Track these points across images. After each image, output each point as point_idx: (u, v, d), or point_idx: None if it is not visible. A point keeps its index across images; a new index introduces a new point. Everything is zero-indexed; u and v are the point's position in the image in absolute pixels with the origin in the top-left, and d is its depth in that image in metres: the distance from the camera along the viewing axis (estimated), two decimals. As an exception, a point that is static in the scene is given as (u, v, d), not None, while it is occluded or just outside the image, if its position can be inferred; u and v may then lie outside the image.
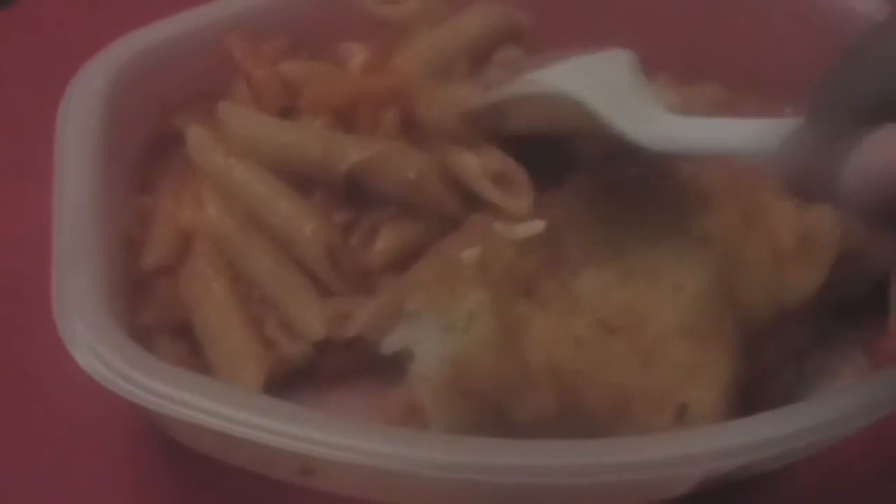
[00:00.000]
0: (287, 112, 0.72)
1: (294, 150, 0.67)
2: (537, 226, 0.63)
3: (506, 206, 0.65)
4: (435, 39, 0.72)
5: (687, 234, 0.63)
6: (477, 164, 0.67)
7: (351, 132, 0.69)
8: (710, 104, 0.77)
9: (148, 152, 0.72)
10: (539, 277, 0.62)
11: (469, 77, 0.72)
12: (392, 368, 0.63)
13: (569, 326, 0.61)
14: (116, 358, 0.57)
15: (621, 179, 0.66)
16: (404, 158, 0.66)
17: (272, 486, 0.62)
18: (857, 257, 0.66)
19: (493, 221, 0.64)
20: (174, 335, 0.66)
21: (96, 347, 0.57)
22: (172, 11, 0.72)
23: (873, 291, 0.69)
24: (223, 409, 0.56)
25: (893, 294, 0.68)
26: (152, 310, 0.66)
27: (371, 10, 0.74)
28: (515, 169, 0.67)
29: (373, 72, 0.72)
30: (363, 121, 0.69)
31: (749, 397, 0.62)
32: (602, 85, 0.61)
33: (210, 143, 0.69)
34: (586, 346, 0.60)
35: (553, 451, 0.56)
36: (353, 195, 0.69)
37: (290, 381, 0.65)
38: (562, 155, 0.68)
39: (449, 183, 0.67)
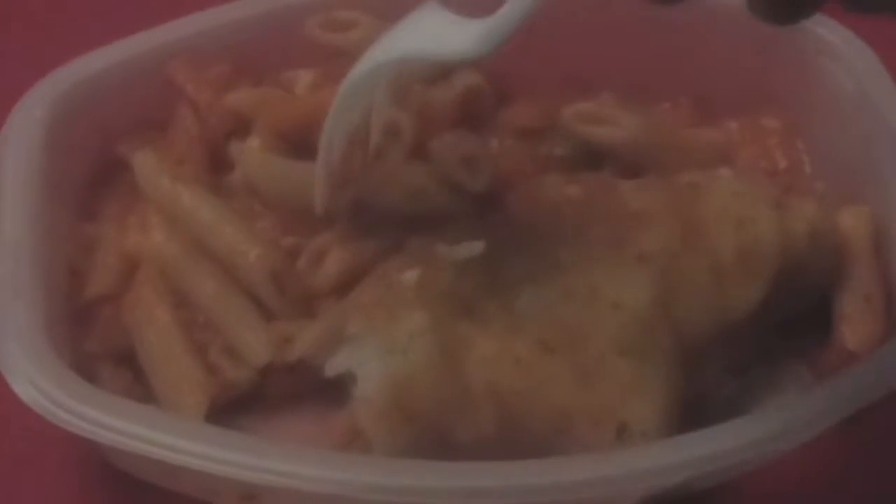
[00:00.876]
0: (232, 136, 0.71)
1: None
2: (476, 247, 0.63)
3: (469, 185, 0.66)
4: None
5: (626, 252, 0.64)
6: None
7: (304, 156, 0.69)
8: (684, 123, 0.78)
9: (91, 180, 0.72)
10: (479, 298, 0.62)
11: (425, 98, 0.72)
12: (337, 391, 0.63)
13: (509, 347, 0.61)
14: (55, 388, 0.57)
15: (560, 198, 0.66)
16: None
17: (216, 513, 0.62)
18: (798, 271, 0.67)
19: (433, 243, 0.64)
20: (118, 363, 0.66)
21: (34, 378, 0.57)
22: (113, 38, 0.72)
23: (816, 306, 0.69)
24: (163, 438, 0.56)
25: (836, 308, 0.69)
26: (96, 338, 0.66)
27: (317, 38, 0.74)
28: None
29: (320, 91, 0.71)
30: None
31: (691, 414, 0.62)
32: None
33: (156, 169, 0.69)
34: (526, 365, 0.60)
35: (494, 472, 0.56)
36: (301, 218, 0.68)
37: (236, 407, 0.65)
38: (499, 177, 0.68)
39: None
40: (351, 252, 0.67)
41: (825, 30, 0.74)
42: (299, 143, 0.70)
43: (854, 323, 0.67)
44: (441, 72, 0.74)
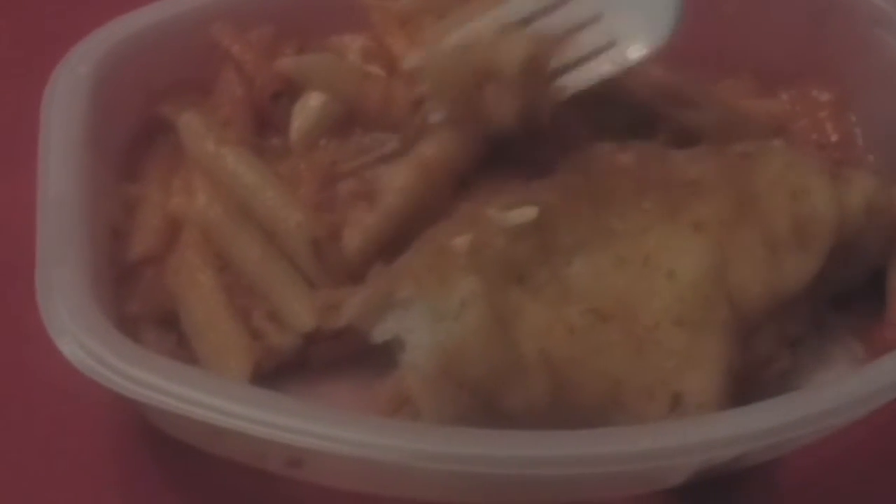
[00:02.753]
0: (279, 97, 0.70)
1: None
2: (529, 212, 0.62)
3: None
4: (442, 30, 0.71)
5: (680, 221, 0.63)
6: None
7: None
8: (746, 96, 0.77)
9: (134, 140, 0.71)
10: (531, 265, 0.61)
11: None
12: (383, 358, 0.62)
13: (561, 314, 0.60)
14: (101, 347, 0.56)
15: (612, 166, 0.65)
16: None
17: (261, 478, 0.61)
18: (853, 246, 0.66)
19: (485, 209, 0.63)
20: (161, 326, 0.65)
21: (81, 337, 0.56)
22: (158, -2, 0.71)
23: (870, 280, 0.68)
24: (210, 400, 0.55)
25: (890, 283, 0.67)
26: (139, 300, 0.66)
27: (368, 1, 0.73)
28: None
29: (373, 60, 0.70)
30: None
31: (743, 386, 0.61)
32: None
33: (202, 131, 0.68)
34: (579, 334, 0.59)
35: (546, 441, 0.55)
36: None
37: (280, 372, 0.65)
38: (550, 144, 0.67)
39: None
40: (377, 222, 0.66)
41: (882, 0, 0.72)
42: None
43: (908, 300, 0.66)
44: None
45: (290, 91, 0.71)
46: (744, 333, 0.61)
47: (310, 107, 0.69)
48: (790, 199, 0.64)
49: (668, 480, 0.60)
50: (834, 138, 0.75)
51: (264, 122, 0.71)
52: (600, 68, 0.66)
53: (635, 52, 0.65)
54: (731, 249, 0.62)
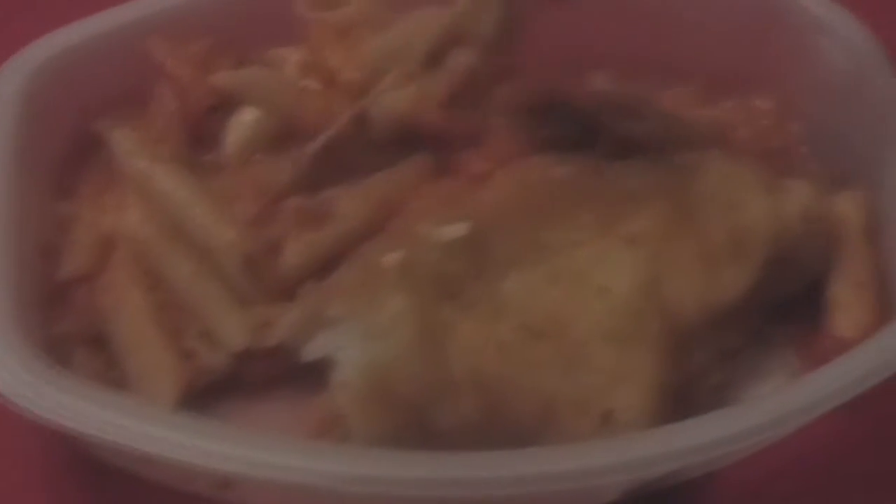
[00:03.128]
0: (214, 111, 0.70)
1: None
2: (461, 228, 0.61)
3: None
4: (380, 44, 0.71)
5: (614, 235, 0.62)
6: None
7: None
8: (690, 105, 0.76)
9: (67, 157, 0.70)
10: (464, 281, 0.61)
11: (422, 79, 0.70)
12: (316, 377, 0.61)
13: (493, 331, 0.59)
14: (23, 372, 0.55)
15: (549, 179, 0.64)
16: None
17: (190, 501, 0.60)
18: (791, 256, 0.65)
19: (417, 224, 0.62)
20: (92, 346, 0.64)
21: (3, 361, 0.55)
22: (91, 11, 0.70)
23: (809, 291, 0.67)
24: (135, 426, 0.54)
25: (828, 294, 0.67)
26: (70, 320, 0.65)
27: (305, 14, 0.72)
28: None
29: (310, 74, 0.70)
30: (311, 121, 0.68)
31: (678, 401, 0.60)
32: None
33: (134, 147, 0.68)
34: (510, 351, 0.59)
35: (475, 463, 0.54)
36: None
37: (212, 392, 0.64)
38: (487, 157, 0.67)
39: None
40: (315, 238, 0.65)
41: (821, 8, 0.73)
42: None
43: (846, 309, 0.66)
44: (437, 51, 0.72)
45: (226, 105, 0.70)
46: (678, 348, 0.61)
47: (245, 121, 0.69)
48: (727, 211, 0.64)
49: (599, 499, 0.59)
50: (776, 147, 0.75)
51: (200, 138, 0.70)
52: None
53: None
54: (666, 262, 0.62)
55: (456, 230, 0.61)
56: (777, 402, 0.57)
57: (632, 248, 0.62)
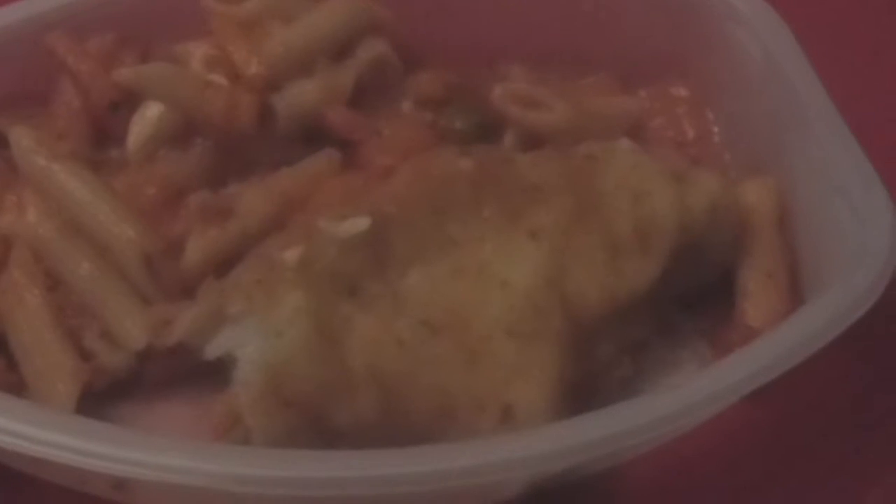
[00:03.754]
0: (117, 107, 0.69)
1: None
2: (362, 223, 0.60)
3: None
4: (288, 36, 0.70)
5: (518, 229, 0.62)
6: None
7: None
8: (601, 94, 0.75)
9: (-33, 155, 0.69)
10: (364, 277, 0.60)
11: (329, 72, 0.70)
12: (218, 375, 0.60)
13: (392, 328, 0.59)
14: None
15: (453, 172, 0.63)
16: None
17: (87, 501, 0.59)
18: (699, 247, 0.65)
19: (317, 219, 0.61)
20: (-10, 349, 0.63)
21: None
22: (-12, 7, 0.69)
23: (719, 282, 0.67)
24: (24, 430, 0.53)
25: (738, 284, 0.67)
26: (-36, 322, 0.63)
27: (212, 8, 0.71)
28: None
29: (216, 68, 0.69)
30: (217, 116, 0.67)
31: (584, 395, 0.60)
32: None
33: (33, 145, 0.67)
34: (409, 347, 0.58)
35: (371, 461, 0.54)
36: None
37: (113, 393, 0.63)
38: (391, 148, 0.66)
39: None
40: (217, 234, 0.65)
41: (737, -2, 0.72)
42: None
43: (756, 299, 0.66)
44: (347, 42, 0.71)
45: (129, 101, 0.69)
46: (581, 341, 0.60)
47: (148, 117, 0.68)
48: (632, 202, 0.64)
49: (499, 495, 0.58)
50: (691, 135, 0.75)
51: (102, 134, 0.69)
52: None
53: None
54: (569, 256, 0.61)
55: (356, 225, 0.60)
56: (679, 393, 0.57)
57: (533, 242, 0.61)
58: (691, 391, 0.57)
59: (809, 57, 0.69)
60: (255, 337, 0.58)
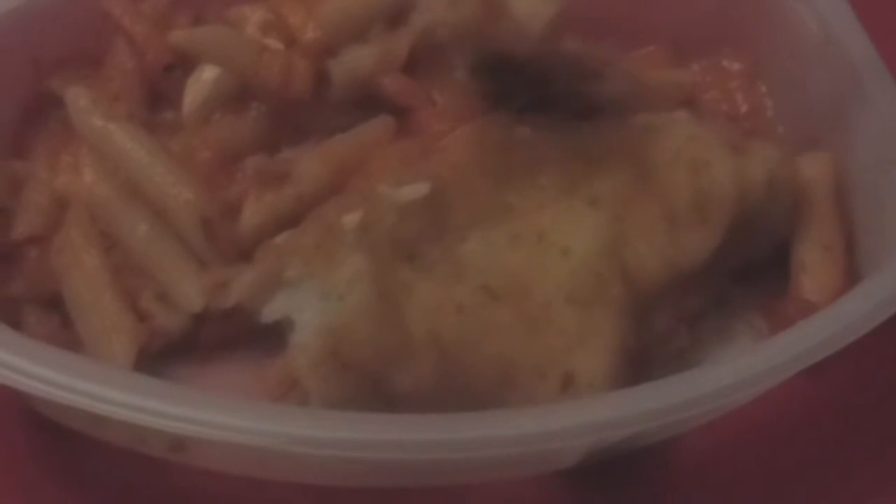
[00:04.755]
0: (172, 69, 0.68)
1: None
2: (421, 188, 0.60)
3: None
4: (344, 2, 0.70)
5: (577, 197, 0.61)
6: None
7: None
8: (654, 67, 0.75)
9: (22, 115, 0.69)
10: (423, 242, 0.60)
11: (384, 39, 0.69)
12: (274, 338, 0.61)
13: (452, 293, 0.58)
14: (-26, 332, 0.54)
15: (510, 140, 0.63)
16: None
17: (144, 462, 0.59)
18: (755, 220, 0.65)
19: (376, 184, 0.61)
20: (45, 307, 0.63)
21: (-46, 322, 0.54)
22: (44, -33, 0.69)
23: (774, 255, 0.67)
24: (88, 387, 0.53)
25: (794, 257, 0.66)
26: (22, 280, 0.64)
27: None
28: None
29: (271, 33, 0.69)
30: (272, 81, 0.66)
31: (640, 365, 0.60)
32: None
33: (90, 106, 0.66)
34: (470, 313, 0.58)
35: (432, 425, 0.53)
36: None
37: (169, 354, 0.63)
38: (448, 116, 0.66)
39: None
40: (275, 198, 0.64)
41: (791, -30, 0.71)
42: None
43: (813, 273, 0.65)
44: (401, 9, 0.71)
45: (184, 64, 0.68)
46: (640, 311, 0.60)
47: (203, 80, 0.67)
48: (690, 173, 0.63)
49: (560, 461, 0.58)
50: (744, 109, 0.74)
51: (157, 96, 0.69)
52: None
53: None
54: (629, 224, 0.61)
55: (415, 190, 0.60)
56: (738, 366, 0.57)
57: (594, 210, 0.61)
58: (753, 363, 0.56)
59: (867, 29, 0.68)
60: (314, 301, 0.58)
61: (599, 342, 0.58)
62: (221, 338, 0.63)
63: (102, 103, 0.67)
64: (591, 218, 0.61)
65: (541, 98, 0.69)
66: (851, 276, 0.65)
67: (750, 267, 0.67)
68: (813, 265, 0.66)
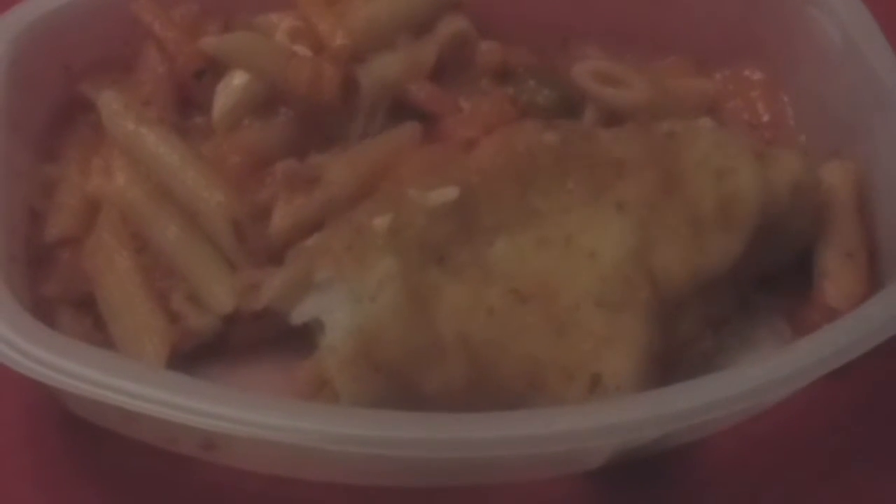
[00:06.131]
0: (202, 75, 0.69)
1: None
2: (451, 192, 0.61)
3: None
4: (372, 10, 0.71)
5: (604, 201, 0.62)
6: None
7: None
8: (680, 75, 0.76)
9: (54, 119, 0.70)
10: (452, 245, 0.60)
11: (411, 47, 0.70)
12: (304, 340, 0.61)
13: (481, 296, 0.59)
14: (11, 331, 0.55)
15: (537, 145, 0.64)
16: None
17: (175, 461, 0.60)
18: (779, 226, 0.65)
19: (406, 188, 0.62)
20: (78, 308, 0.64)
21: (-8, 320, 0.55)
22: (77, -26, 0.70)
23: (797, 261, 0.67)
24: (120, 384, 0.54)
25: (817, 263, 0.67)
26: (55, 282, 0.65)
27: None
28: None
29: (300, 40, 0.69)
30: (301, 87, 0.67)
31: (666, 368, 0.60)
32: None
33: (122, 110, 0.67)
34: (499, 315, 0.59)
35: (460, 424, 0.54)
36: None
37: (199, 355, 0.64)
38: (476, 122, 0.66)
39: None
40: (304, 203, 0.65)
41: (812, -21, 0.72)
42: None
43: (836, 279, 0.66)
44: (428, 17, 0.72)
45: (214, 69, 0.69)
46: (666, 314, 0.61)
47: (233, 86, 0.68)
48: (715, 179, 0.64)
49: (587, 462, 0.59)
50: (766, 118, 0.75)
51: (187, 101, 0.70)
52: None
53: None
54: (655, 229, 0.62)
55: (445, 194, 0.61)
56: (764, 369, 0.57)
57: (620, 215, 0.62)
58: (778, 366, 0.57)
59: (888, 38, 0.69)
60: (344, 302, 0.59)
61: (627, 345, 0.59)
62: (252, 339, 0.64)
63: (134, 107, 0.67)
64: (618, 222, 0.61)
65: (568, 104, 0.70)
66: (873, 282, 0.66)
67: (773, 273, 0.67)
68: (835, 271, 0.66)
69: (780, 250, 0.67)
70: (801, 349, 0.58)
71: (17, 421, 0.63)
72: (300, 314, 0.60)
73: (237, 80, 0.69)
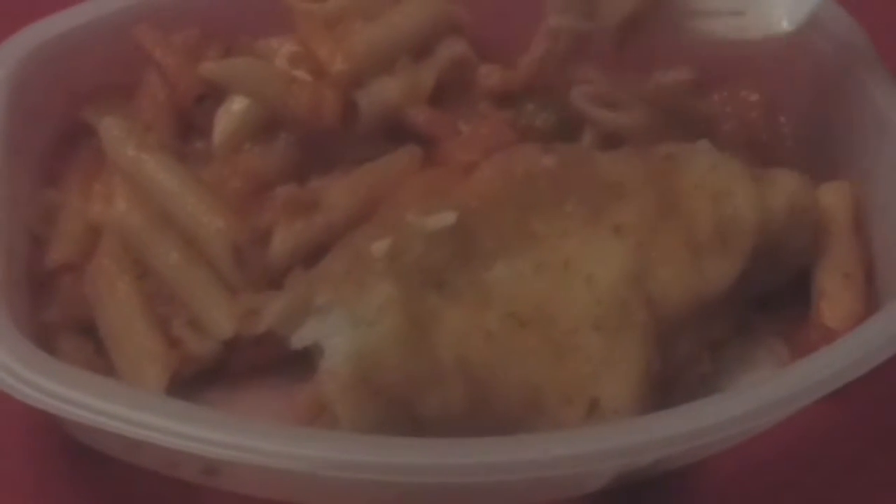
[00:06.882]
0: (203, 100, 0.70)
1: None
2: (449, 217, 0.61)
3: None
4: (371, 34, 0.71)
5: (601, 224, 0.62)
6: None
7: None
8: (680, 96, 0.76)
9: (55, 145, 0.70)
10: (450, 270, 0.61)
11: (411, 71, 0.71)
12: (304, 365, 0.61)
13: (480, 320, 0.59)
14: (11, 359, 0.55)
15: (535, 168, 0.64)
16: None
17: (177, 487, 0.60)
18: (777, 247, 0.66)
19: (404, 213, 0.62)
20: (79, 334, 0.65)
21: (-8, 347, 0.55)
22: (79, 0, 0.70)
23: (795, 282, 0.68)
24: (121, 411, 0.54)
25: (815, 284, 0.67)
26: (56, 308, 0.65)
27: (295, 6, 0.72)
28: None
29: (300, 64, 0.70)
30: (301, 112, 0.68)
31: (664, 391, 0.61)
32: None
33: (122, 135, 0.68)
34: (497, 339, 0.59)
35: (460, 449, 0.54)
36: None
37: (200, 380, 0.64)
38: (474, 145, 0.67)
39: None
40: (303, 226, 0.66)
41: (809, 1, 0.72)
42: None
43: (833, 300, 0.66)
44: (427, 41, 0.72)
45: (214, 95, 0.70)
46: (664, 337, 0.61)
47: (233, 111, 0.69)
48: (713, 201, 0.64)
49: (585, 487, 0.59)
50: (763, 139, 0.75)
51: (188, 126, 0.71)
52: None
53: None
54: (652, 252, 0.62)
55: (443, 219, 0.61)
56: (762, 391, 0.57)
57: (617, 238, 0.62)
58: (776, 388, 0.57)
59: (885, 59, 0.70)
60: (344, 327, 0.59)
61: (624, 368, 0.59)
62: (252, 364, 0.65)
63: (135, 133, 0.68)
64: (616, 246, 0.61)
65: (566, 127, 0.70)
66: (871, 302, 0.66)
67: (771, 294, 0.67)
68: (833, 292, 0.66)
69: (778, 271, 0.67)
70: (800, 371, 0.59)
71: (19, 446, 0.63)
72: (300, 339, 0.61)
73: (237, 105, 0.69)
